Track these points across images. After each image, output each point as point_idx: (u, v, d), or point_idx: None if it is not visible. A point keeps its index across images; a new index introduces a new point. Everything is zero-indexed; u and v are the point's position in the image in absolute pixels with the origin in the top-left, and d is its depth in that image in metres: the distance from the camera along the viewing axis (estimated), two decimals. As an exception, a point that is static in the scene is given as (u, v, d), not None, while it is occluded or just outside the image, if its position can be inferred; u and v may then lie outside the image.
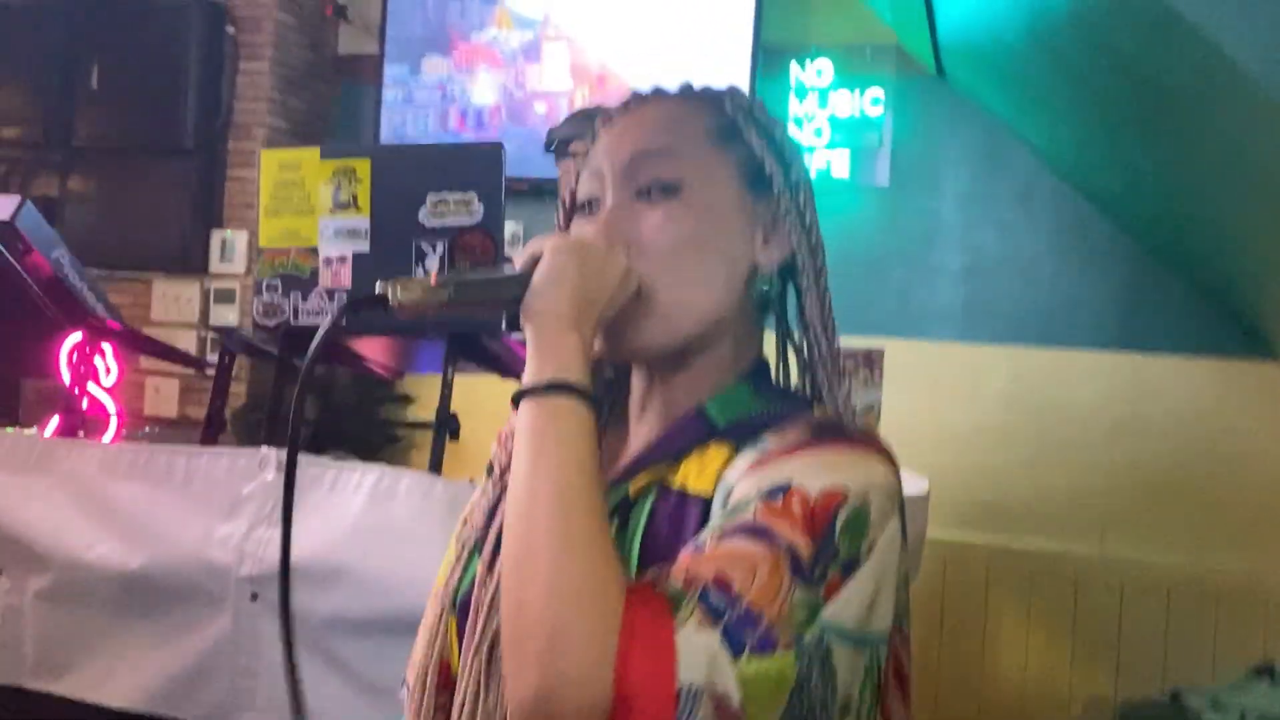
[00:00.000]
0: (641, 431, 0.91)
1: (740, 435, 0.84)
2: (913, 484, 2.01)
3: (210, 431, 1.88)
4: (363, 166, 1.83)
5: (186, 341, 4.34)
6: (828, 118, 3.96)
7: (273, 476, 1.74)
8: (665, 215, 0.87)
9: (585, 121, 2.22)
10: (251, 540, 1.71)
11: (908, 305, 3.93)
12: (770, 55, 4.00)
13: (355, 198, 1.83)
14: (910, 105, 3.95)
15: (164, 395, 4.26)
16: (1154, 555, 3.64)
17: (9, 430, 2.26)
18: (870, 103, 3.92)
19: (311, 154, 1.87)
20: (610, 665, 0.68)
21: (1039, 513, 3.76)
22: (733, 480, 0.80)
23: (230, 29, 4.25)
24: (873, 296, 3.88)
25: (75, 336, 1.99)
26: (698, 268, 0.87)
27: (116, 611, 1.78)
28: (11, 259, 1.93)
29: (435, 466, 1.77)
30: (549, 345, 0.80)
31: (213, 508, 1.75)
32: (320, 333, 0.79)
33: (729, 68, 3.94)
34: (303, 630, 1.69)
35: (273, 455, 1.75)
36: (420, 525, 1.67)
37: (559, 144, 2.19)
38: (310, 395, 2.39)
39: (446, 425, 1.79)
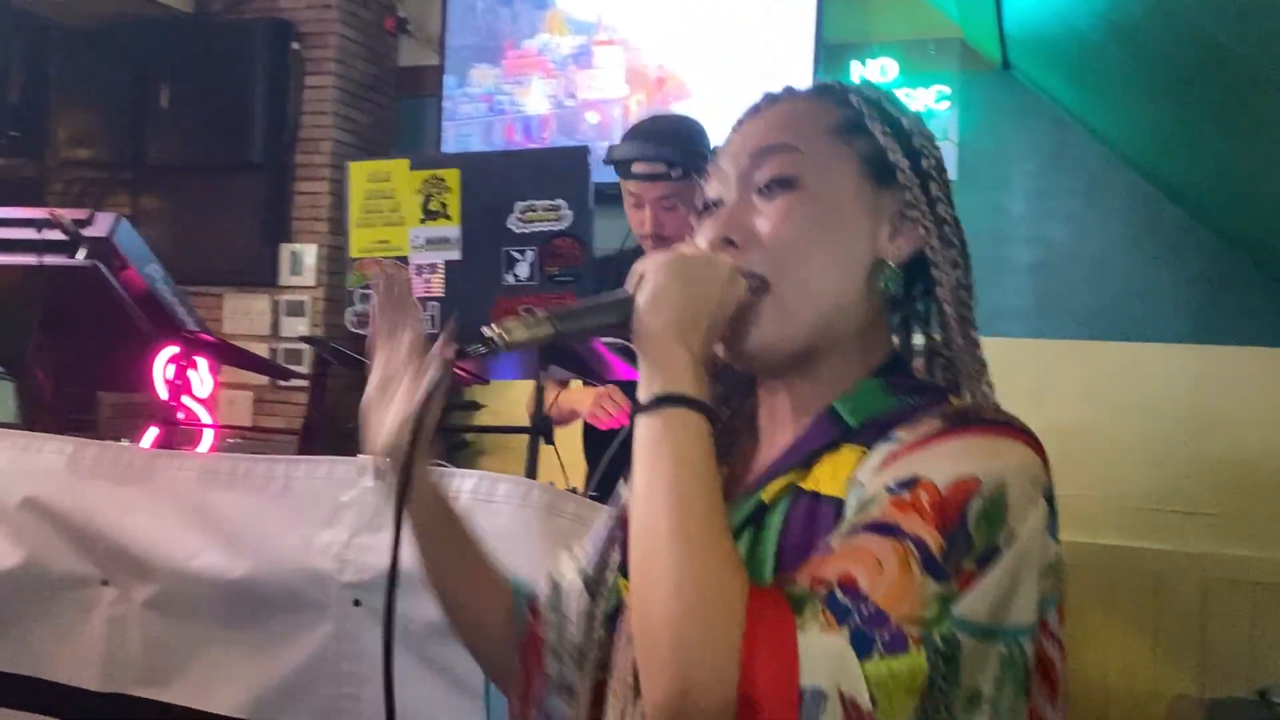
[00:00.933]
0: (774, 440, 0.91)
1: (873, 435, 0.83)
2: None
3: (308, 441, 1.90)
4: (452, 176, 1.85)
5: (258, 353, 4.41)
6: (891, 115, 3.93)
7: (372, 483, 1.75)
8: (782, 209, 0.87)
9: (645, 143, 2.22)
10: (353, 547, 1.73)
11: (979, 302, 3.87)
12: (831, 53, 3.98)
13: (445, 206, 1.85)
14: (976, 100, 3.91)
15: (238, 407, 4.33)
16: (1238, 550, 3.56)
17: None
18: (935, 99, 3.89)
19: (400, 165, 1.89)
20: (736, 669, 0.68)
21: (1118, 509, 3.69)
22: (864, 479, 0.80)
23: (295, 45, 4.31)
24: (941, 294, 3.83)
25: (171, 349, 2.02)
26: (815, 261, 0.87)
27: (220, 620, 1.80)
28: (108, 274, 1.97)
29: (531, 471, 1.78)
30: (657, 361, 0.81)
31: (313, 515, 1.77)
32: (430, 378, 0.82)
33: (790, 66, 3.93)
34: (404, 635, 1.70)
35: (371, 462, 1.76)
36: (518, 530, 1.67)
37: (619, 164, 2.21)
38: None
39: (540, 429, 1.79)
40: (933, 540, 0.72)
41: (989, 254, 3.89)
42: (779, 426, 0.92)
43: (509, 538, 1.67)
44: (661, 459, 0.77)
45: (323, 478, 1.78)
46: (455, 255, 1.85)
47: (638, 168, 2.18)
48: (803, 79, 3.89)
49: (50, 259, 1.94)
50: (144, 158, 4.47)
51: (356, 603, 1.71)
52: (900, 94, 3.84)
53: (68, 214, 1.96)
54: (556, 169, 1.80)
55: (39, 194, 4.82)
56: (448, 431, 2.10)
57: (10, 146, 4.65)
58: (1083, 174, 3.81)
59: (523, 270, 1.81)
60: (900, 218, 0.90)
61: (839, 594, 0.70)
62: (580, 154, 1.84)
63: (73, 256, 1.95)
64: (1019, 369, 3.81)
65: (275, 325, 4.40)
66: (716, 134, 3.90)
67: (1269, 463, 3.57)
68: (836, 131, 0.90)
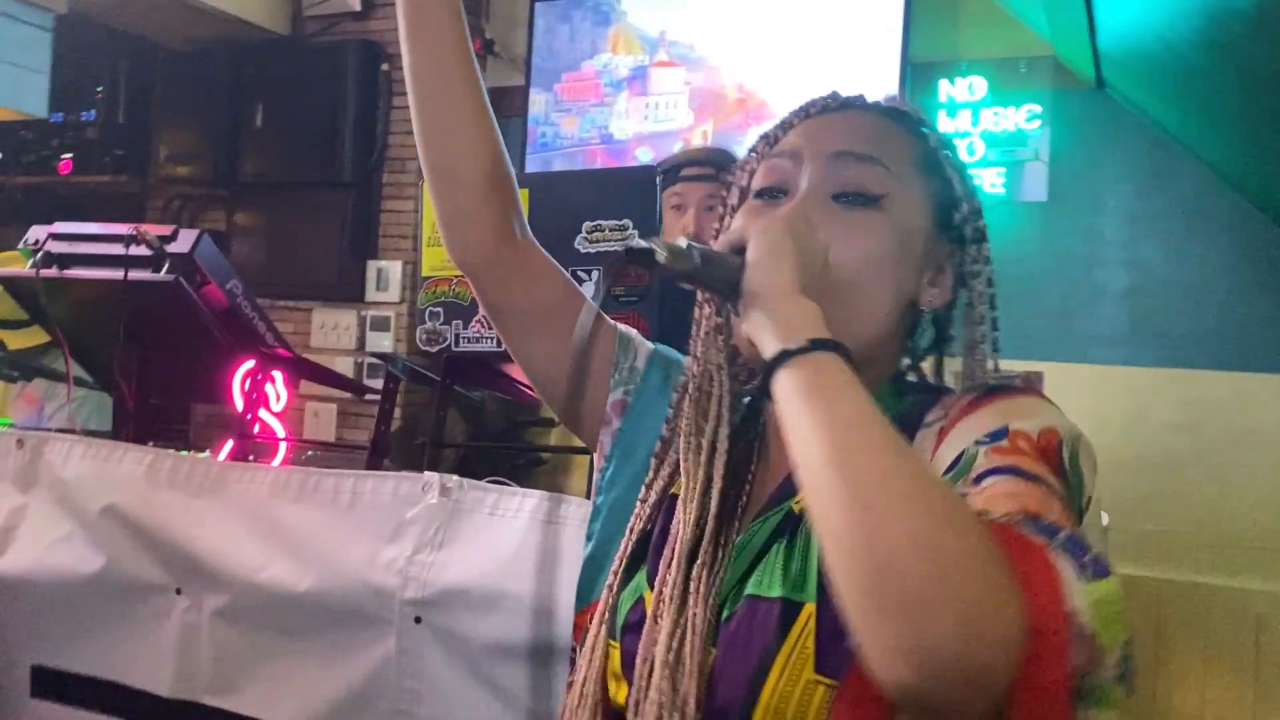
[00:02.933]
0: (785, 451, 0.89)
1: (902, 432, 0.80)
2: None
3: (375, 456, 1.92)
4: (521, 196, 1.85)
5: (344, 367, 4.50)
6: (980, 133, 3.85)
7: (435, 500, 1.76)
8: (861, 224, 0.85)
9: (694, 151, 2.21)
10: (415, 564, 1.73)
11: (1069, 327, 3.77)
12: (919, 72, 3.91)
13: (514, 225, 1.85)
14: (1068, 118, 3.80)
15: (323, 419, 4.41)
16: (1345, 592, 3.38)
17: (182, 453, 2.36)
18: (1026, 118, 3.80)
19: (471, 183, 1.90)
20: (1016, 591, 0.62)
21: (1216, 545, 3.53)
22: None
23: (385, 66, 4.40)
24: (1031, 317, 3.72)
25: (248, 363, 2.06)
26: (874, 287, 0.85)
27: (286, 632, 1.82)
28: (190, 289, 2.02)
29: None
30: (790, 312, 0.76)
31: (378, 531, 1.78)
32: (600, 285, 0.79)
33: (876, 85, 3.86)
34: (464, 654, 1.70)
35: (435, 480, 1.77)
36: (575, 550, 1.66)
37: (668, 172, 2.20)
38: (461, 420, 2.43)
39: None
40: (1054, 482, 0.71)
41: (1080, 277, 3.78)
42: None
43: (567, 555, 1.66)
44: (844, 398, 0.71)
45: (388, 494, 1.80)
46: (523, 273, 1.85)
47: (687, 171, 2.17)
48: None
49: (136, 274, 2.00)
50: (239, 175, 4.60)
51: (418, 619, 1.72)
52: (989, 113, 3.79)
53: (153, 230, 2.01)
54: (624, 189, 1.79)
55: (141, 209, 5.00)
56: (519, 449, 2.09)
57: (116, 164, 4.82)
58: (1181, 196, 3.67)
59: (588, 290, 1.80)
60: (940, 268, 0.89)
61: (1039, 521, 0.66)
62: (648, 174, 1.83)
63: (157, 272, 2.00)
64: (1111, 397, 3.70)
65: (361, 339, 4.48)
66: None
67: (1381, 501, 3.38)
68: (919, 164, 0.89)
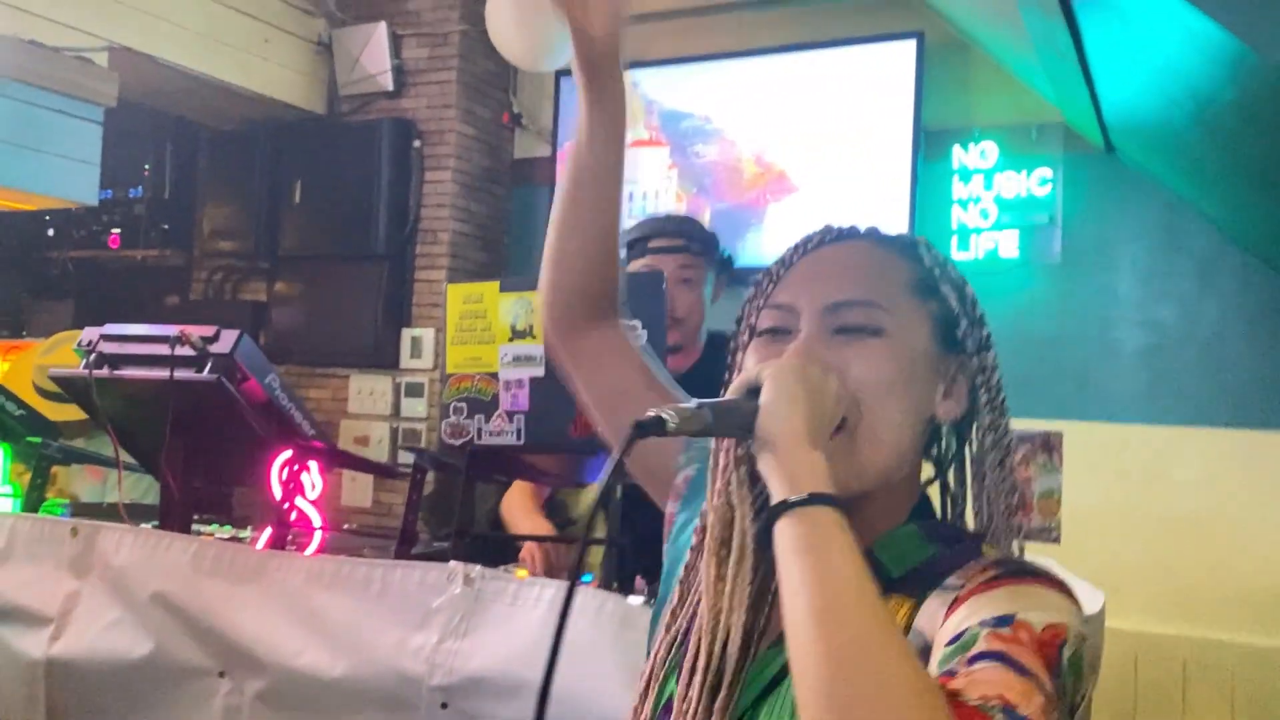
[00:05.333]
0: None
1: (918, 585, 0.85)
2: (1088, 599, 1.96)
3: (404, 545, 2.02)
4: (538, 297, 1.97)
5: (380, 431, 4.64)
6: (994, 198, 3.93)
7: (460, 590, 1.86)
8: (868, 353, 0.89)
9: (664, 222, 2.26)
10: (441, 651, 1.83)
11: (1087, 386, 3.82)
12: (932, 139, 4.02)
13: (532, 326, 1.96)
14: (1080, 182, 3.89)
15: (359, 485, 4.55)
16: (1373, 649, 3.39)
17: (227, 528, 2.49)
18: (1038, 182, 3.88)
19: (491, 287, 2.02)
20: None
21: (1239, 603, 3.55)
22: (928, 629, 0.81)
23: (417, 143, 4.57)
24: (1049, 377, 3.78)
25: (285, 454, 2.19)
26: (892, 410, 0.89)
27: (322, 714, 1.92)
28: (231, 387, 2.15)
29: (606, 583, 1.86)
30: (797, 463, 0.80)
31: (406, 619, 1.88)
32: (615, 455, 0.84)
33: (890, 153, 3.98)
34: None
35: (460, 570, 1.87)
36: (592, 642, 1.75)
37: (635, 244, 2.22)
38: (480, 507, 2.54)
39: (616, 542, 1.88)
40: (1045, 679, 0.73)
41: (1096, 337, 3.83)
42: None
43: (584, 647, 1.75)
44: (833, 556, 0.76)
45: (415, 583, 1.90)
46: (539, 372, 1.95)
47: (656, 243, 2.20)
48: (903, 165, 3.95)
49: (181, 373, 2.13)
50: (278, 248, 4.79)
51: (444, 705, 1.81)
52: (1002, 177, 3.88)
53: (196, 331, 2.15)
54: (633, 292, 1.88)
55: (187, 282, 5.21)
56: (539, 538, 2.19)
57: (162, 238, 5.04)
58: (1193, 255, 3.73)
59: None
60: (953, 381, 0.93)
61: (1010, 711, 0.70)
62: (656, 279, 1.93)
63: (200, 371, 2.13)
64: (1130, 455, 3.74)
65: (396, 405, 4.63)
66: (817, 223, 4.00)
67: (1404, 557, 3.39)
68: (914, 289, 0.93)
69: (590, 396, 1.14)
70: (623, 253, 2.24)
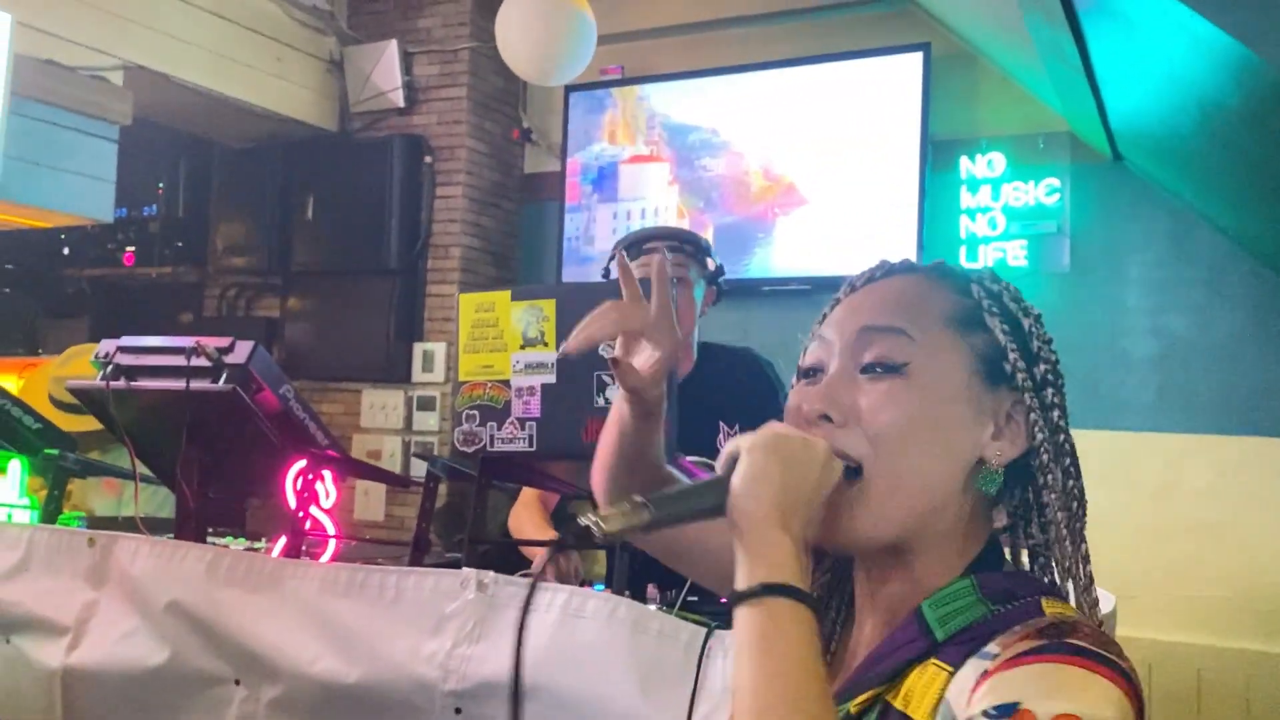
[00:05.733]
0: (864, 635, 0.89)
1: (962, 650, 0.79)
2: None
3: (417, 552, 2.04)
4: (549, 305, 1.99)
5: (392, 445, 4.67)
6: (1002, 208, 3.95)
7: (473, 595, 1.87)
8: (887, 393, 0.84)
9: (657, 229, 2.28)
10: (454, 657, 1.84)
11: (1097, 395, 3.82)
12: (940, 149, 4.04)
13: (543, 334, 1.98)
14: (1088, 191, 3.90)
15: (372, 499, 4.57)
16: (1388, 656, 3.37)
17: (241, 541, 2.51)
18: (1046, 192, 3.89)
19: (503, 296, 2.04)
20: None
21: (1254, 610, 3.54)
22: (957, 706, 0.76)
23: (428, 159, 4.61)
24: (1058, 386, 3.78)
25: (300, 463, 2.20)
26: (913, 453, 0.84)
27: (337, 721, 1.93)
28: (246, 398, 2.17)
29: (618, 590, 1.87)
30: (758, 548, 0.77)
31: (420, 626, 1.89)
32: (543, 559, 0.84)
33: (898, 164, 4.00)
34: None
35: (473, 576, 1.88)
36: (604, 646, 1.75)
37: (630, 248, 2.25)
38: (492, 520, 2.57)
39: (628, 548, 1.89)
40: None
41: (1105, 345, 3.84)
42: (868, 618, 0.89)
43: (596, 651, 1.76)
44: (772, 655, 0.73)
45: (429, 589, 1.91)
46: (551, 379, 1.97)
47: (650, 245, 2.22)
48: (911, 176, 3.97)
49: (196, 384, 2.16)
50: (291, 264, 4.83)
51: (458, 710, 1.82)
52: (1010, 187, 3.89)
53: (212, 342, 2.17)
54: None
55: (200, 297, 5.25)
56: (547, 543, 2.21)
57: (176, 255, 5.08)
58: (1203, 263, 3.74)
59: (613, 394, 1.92)
60: (1008, 419, 0.87)
61: None
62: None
63: (216, 382, 2.16)
64: (1142, 464, 3.74)
65: (409, 419, 4.65)
66: (827, 240, 4.01)
67: None
68: (953, 322, 0.88)
69: (686, 568, 1.11)
70: (623, 253, 2.28)
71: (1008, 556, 0.90)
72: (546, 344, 1.99)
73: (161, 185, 5.06)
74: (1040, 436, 0.86)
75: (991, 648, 0.77)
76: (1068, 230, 3.90)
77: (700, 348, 2.31)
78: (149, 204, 5.09)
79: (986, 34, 3.87)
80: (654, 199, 4.47)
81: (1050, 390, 0.89)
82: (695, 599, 1.82)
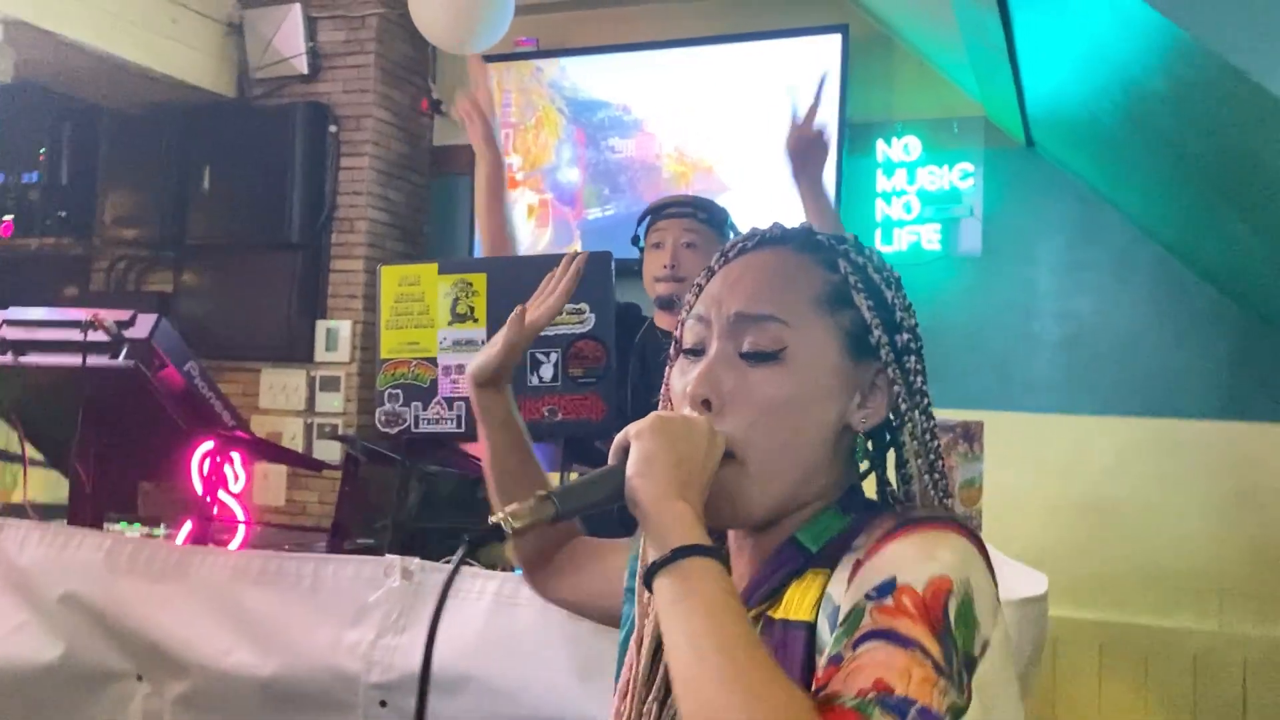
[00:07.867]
0: (739, 569, 0.95)
1: (833, 554, 0.87)
2: (1032, 582, 1.97)
3: (336, 539, 1.94)
4: (479, 280, 1.91)
5: (293, 428, 4.49)
6: (916, 192, 3.97)
7: (398, 584, 1.79)
8: (765, 377, 0.89)
9: (680, 196, 2.28)
10: (379, 648, 1.76)
11: (1007, 376, 3.89)
12: (857, 132, 4.04)
13: (473, 309, 1.90)
14: (1001, 176, 3.95)
15: (272, 483, 4.40)
16: (1276, 629, 3.51)
17: (136, 527, 2.36)
18: (960, 176, 3.93)
19: (429, 269, 1.95)
20: None
21: (1152, 587, 3.65)
22: (837, 595, 0.83)
23: (333, 128, 4.44)
24: (970, 368, 3.84)
25: (206, 445, 2.08)
26: (787, 434, 0.90)
27: (251, 717, 1.83)
28: (148, 374, 2.04)
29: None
30: (662, 520, 0.81)
31: (341, 615, 1.81)
32: (450, 572, 0.82)
33: (816, 146, 3.98)
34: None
35: (397, 563, 1.80)
36: (540, 633, 1.70)
37: (653, 212, 2.26)
38: (418, 494, 2.47)
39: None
40: (931, 645, 0.75)
41: (1017, 327, 3.90)
42: (743, 555, 0.95)
43: (532, 638, 1.70)
44: (697, 610, 0.77)
45: (350, 577, 1.82)
46: (481, 357, 1.89)
47: (668, 210, 2.25)
48: (829, 159, 3.95)
49: (94, 359, 2.01)
50: (186, 237, 4.60)
51: (383, 703, 1.74)
52: (925, 171, 3.92)
53: (109, 315, 2.03)
54: (580, 273, 1.83)
55: (86, 272, 4.97)
56: (477, 528, 2.12)
57: (60, 226, 4.79)
58: (1110, 249, 3.82)
59: (547, 372, 1.85)
60: (872, 387, 0.93)
61: (887, 698, 0.72)
62: (604, 259, 1.88)
63: (115, 357, 2.01)
64: (1049, 444, 3.82)
65: (311, 400, 4.48)
66: (744, 227, 3.99)
67: (1306, 540, 3.53)
68: (823, 302, 0.92)
69: (594, 612, 1.22)
70: (645, 220, 2.25)
71: None
72: (477, 320, 1.90)
73: (44, 151, 4.76)
74: (903, 404, 0.92)
75: (858, 541, 0.86)
76: (980, 214, 3.95)
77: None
78: (30, 170, 4.79)
79: (905, 17, 3.88)
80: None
81: (911, 356, 0.93)
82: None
